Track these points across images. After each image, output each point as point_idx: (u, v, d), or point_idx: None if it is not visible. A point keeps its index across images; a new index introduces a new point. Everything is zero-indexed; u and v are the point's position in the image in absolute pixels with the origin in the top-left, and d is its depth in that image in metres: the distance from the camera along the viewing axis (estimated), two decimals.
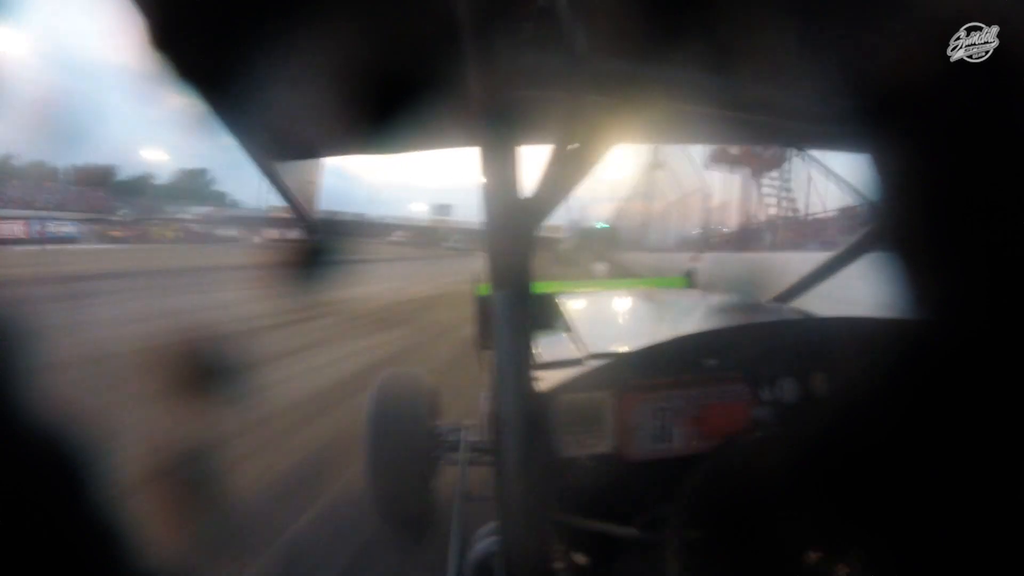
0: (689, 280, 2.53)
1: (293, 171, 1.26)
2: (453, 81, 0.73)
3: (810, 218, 12.86)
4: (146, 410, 1.81)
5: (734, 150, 14.64)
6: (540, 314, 1.68)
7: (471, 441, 1.96)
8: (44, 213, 25.13)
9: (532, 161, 0.82)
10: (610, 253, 19.80)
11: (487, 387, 0.97)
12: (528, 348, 0.74)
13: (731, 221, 16.48)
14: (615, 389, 0.98)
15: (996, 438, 0.42)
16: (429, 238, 41.74)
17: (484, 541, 0.88)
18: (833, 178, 1.62)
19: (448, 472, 2.22)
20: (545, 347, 1.28)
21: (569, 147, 0.76)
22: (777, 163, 14.27)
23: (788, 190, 14.55)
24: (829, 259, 1.77)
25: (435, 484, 2.19)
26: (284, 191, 1.21)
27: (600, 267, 15.67)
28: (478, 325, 2.26)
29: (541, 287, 2.09)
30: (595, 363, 1.08)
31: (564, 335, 1.38)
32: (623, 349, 1.08)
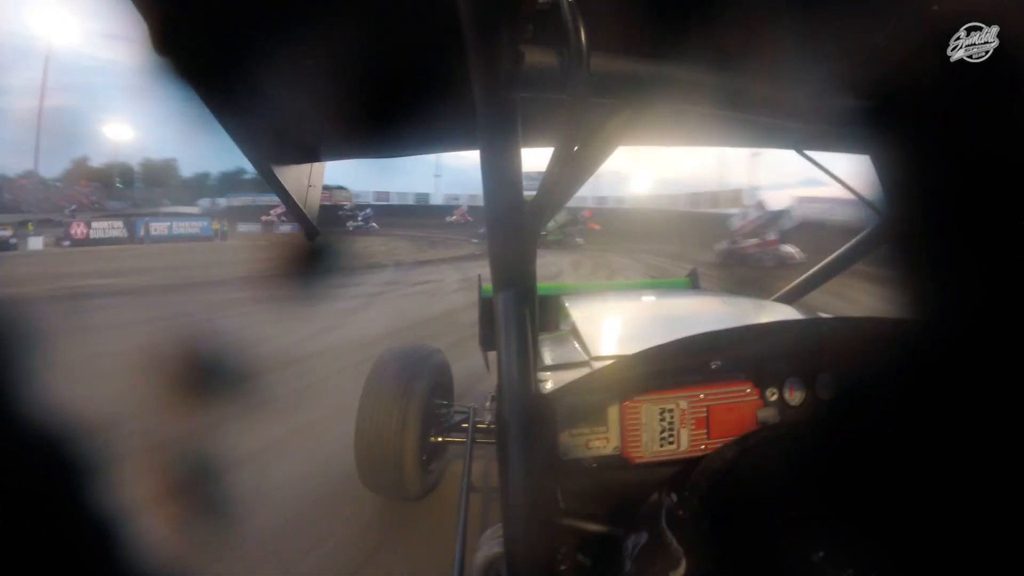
0: (691, 281, 2.52)
1: (293, 175, 1.26)
2: (454, 83, 0.73)
3: None
4: None
5: None
6: (544, 315, 1.68)
7: (476, 421, 1.97)
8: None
9: (534, 163, 0.82)
10: None
11: (494, 388, 0.97)
12: (532, 350, 0.74)
13: None
14: (619, 391, 0.98)
15: (999, 438, 0.42)
16: None
17: (489, 543, 0.88)
18: (833, 179, 1.62)
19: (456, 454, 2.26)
20: (549, 348, 1.28)
21: (571, 149, 0.76)
22: None
23: None
24: (831, 259, 1.77)
25: (435, 465, 2.21)
26: (283, 195, 1.21)
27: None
28: (483, 326, 2.27)
29: (544, 288, 2.09)
30: (599, 364, 1.08)
31: (568, 336, 1.38)
32: (627, 350, 1.08)
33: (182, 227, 21.87)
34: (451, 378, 2.41)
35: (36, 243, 17.57)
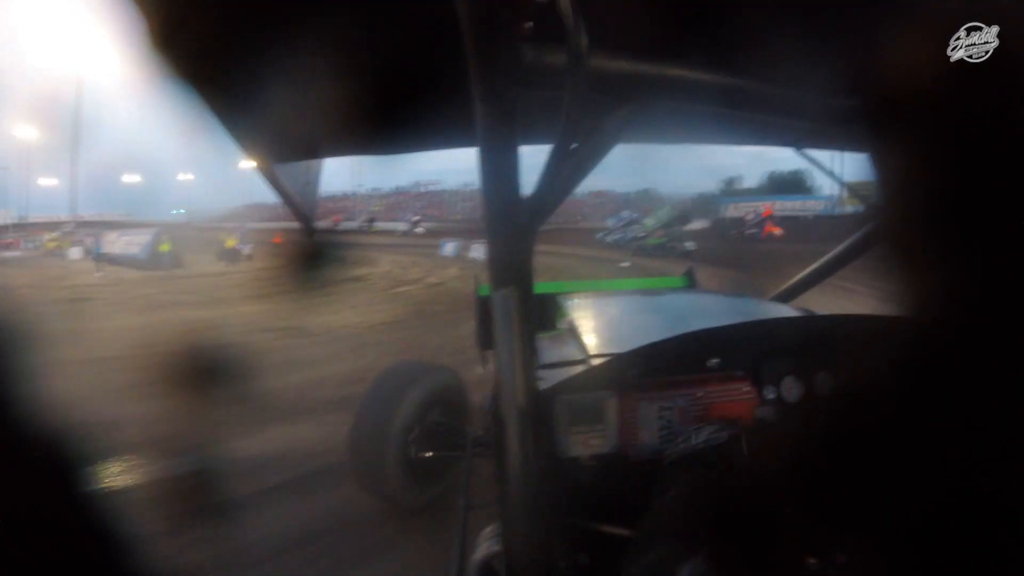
0: (689, 280, 2.52)
1: (291, 172, 1.25)
2: (454, 80, 0.73)
3: None
4: None
5: None
6: (541, 314, 1.68)
7: (476, 437, 1.98)
8: None
9: (532, 161, 0.82)
10: None
11: (490, 387, 0.97)
12: (529, 348, 0.74)
13: None
14: (618, 388, 0.98)
15: (998, 437, 0.42)
16: None
17: (487, 542, 0.88)
18: (832, 177, 1.63)
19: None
20: (547, 347, 1.28)
21: (570, 146, 0.76)
22: None
23: None
24: (829, 258, 1.77)
25: (434, 481, 2.21)
26: (283, 193, 1.21)
27: None
28: (480, 324, 2.26)
29: (542, 287, 2.09)
30: (597, 362, 1.08)
31: (566, 335, 1.39)
32: (625, 348, 1.08)
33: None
34: (463, 397, 2.39)
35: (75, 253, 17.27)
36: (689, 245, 14.26)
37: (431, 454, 2.13)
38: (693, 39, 0.74)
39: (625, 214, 18.90)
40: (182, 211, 34.88)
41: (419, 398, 2.12)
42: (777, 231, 15.83)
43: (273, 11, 0.71)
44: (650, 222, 16.39)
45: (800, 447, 0.65)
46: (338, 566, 1.99)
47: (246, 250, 17.55)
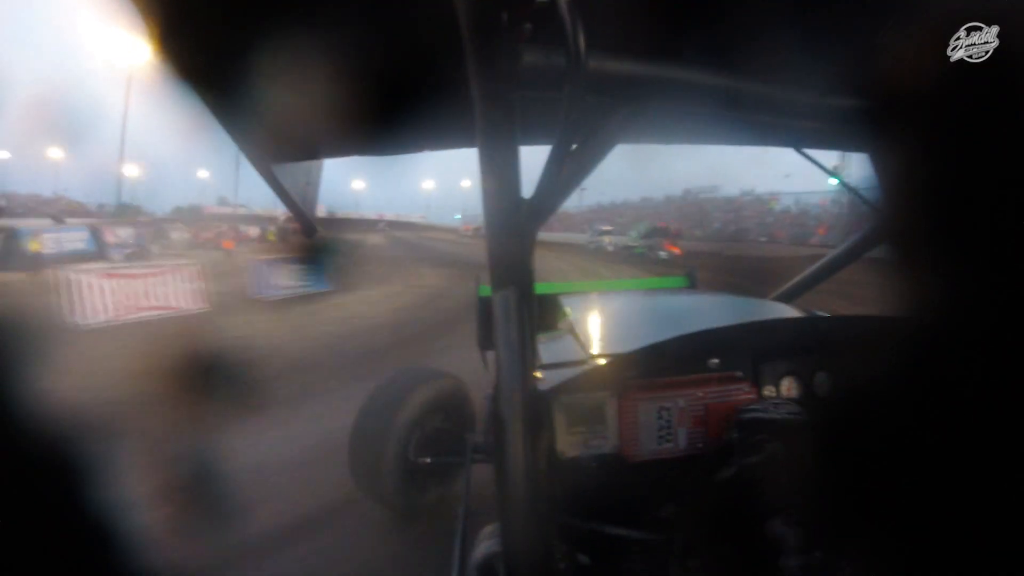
0: (690, 280, 2.52)
1: (292, 173, 1.25)
2: (453, 81, 0.73)
3: None
4: None
5: None
6: (542, 314, 1.67)
7: (476, 443, 1.97)
8: None
9: (532, 161, 0.82)
10: None
11: (491, 388, 0.97)
12: (530, 348, 0.74)
13: None
14: (617, 389, 0.98)
15: (996, 436, 0.42)
16: None
17: (487, 541, 0.88)
18: (832, 177, 1.62)
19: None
20: (547, 347, 1.28)
21: (569, 147, 0.76)
22: None
23: None
24: (830, 258, 1.77)
25: (433, 487, 2.21)
26: (282, 193, 1.20)
27: None
28: (481, 326, 2.26)
29: (543, 287, 2.09)
30: (597, 362, 1.08)
31: (566, 335, 1.38)
32: (625, 348, 1.08)
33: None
34: (468, 404, 2.38)
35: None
36: (663, 254, 16.43)
37: (431, 459, 2.13)
38: (693, 40, 0.74)
39: (596, 226, 22.73)
40: (458, 216, 39.74)
41: (420, 404, 2.12)
42: (676, 250, 16.83)
43: (272, 12, 0.71)
44: (633, 234, 19.05)
45: (800, 447, 0.65)
46: None
47: (118, 257, 12.83)
